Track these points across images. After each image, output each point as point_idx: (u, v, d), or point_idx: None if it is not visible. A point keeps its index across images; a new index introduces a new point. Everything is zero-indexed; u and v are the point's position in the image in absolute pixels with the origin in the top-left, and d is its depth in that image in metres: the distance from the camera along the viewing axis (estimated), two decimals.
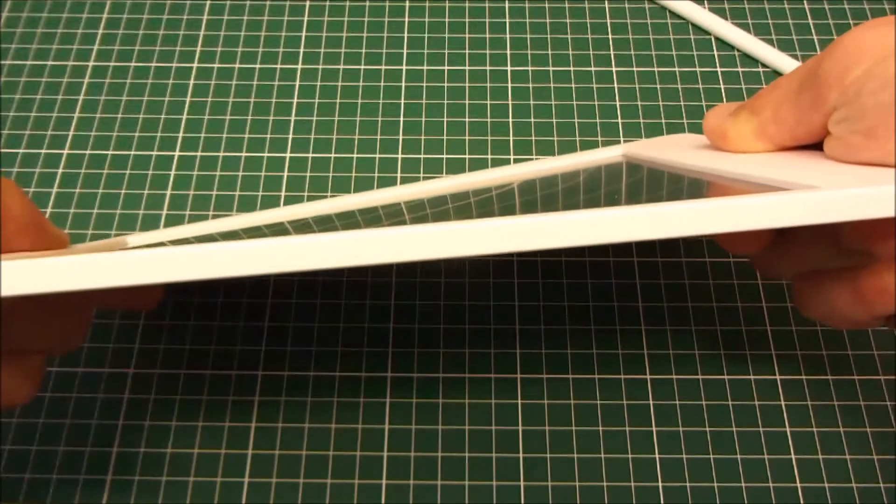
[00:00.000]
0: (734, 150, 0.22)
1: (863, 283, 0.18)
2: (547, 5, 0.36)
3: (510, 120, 0.33)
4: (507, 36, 0.35)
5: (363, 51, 0.35)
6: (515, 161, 0.31)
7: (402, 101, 0.33)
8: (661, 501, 0.24)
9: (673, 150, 0.24)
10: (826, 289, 0.20)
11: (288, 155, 0.32)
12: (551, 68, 0.34)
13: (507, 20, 0.36)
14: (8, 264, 0.13)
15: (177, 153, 0.32)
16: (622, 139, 0.32)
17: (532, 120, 0.33)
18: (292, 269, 0.13)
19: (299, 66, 0.34)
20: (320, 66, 0.34)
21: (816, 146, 0.20)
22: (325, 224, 0.23)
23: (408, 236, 0.13)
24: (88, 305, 0.22)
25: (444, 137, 0.32)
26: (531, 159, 0.31)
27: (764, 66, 0.34)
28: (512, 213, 0.18)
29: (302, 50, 0.35)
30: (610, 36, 0.35)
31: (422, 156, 0.32)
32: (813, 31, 0.35)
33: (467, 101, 0.33)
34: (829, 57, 0.18)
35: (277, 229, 0.22)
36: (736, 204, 0.14)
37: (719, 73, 0.34)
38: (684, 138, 0.28)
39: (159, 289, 0.25)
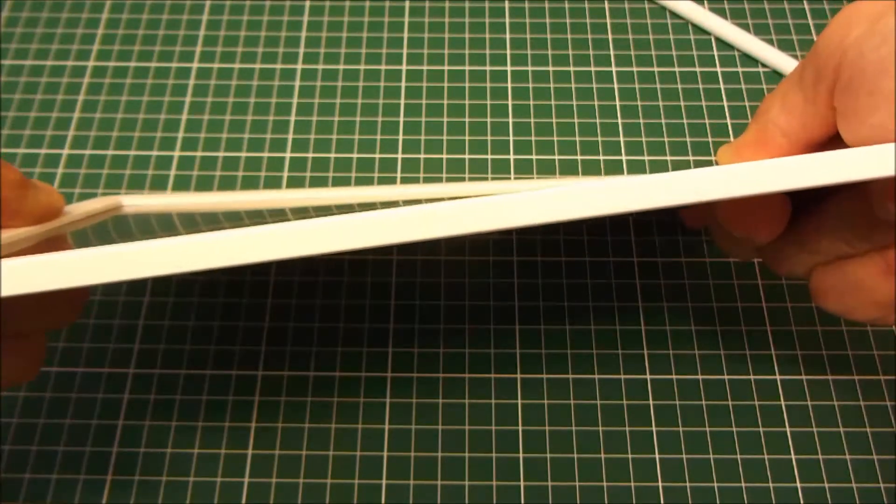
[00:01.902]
0: None
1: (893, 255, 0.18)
2: (547, 5, 0.36)
3: (510, 120, 0.33)
4: (507, 36, 0.35)
5: (363, 51, 0.35)
6: (515, 162, 0.31)
7: (402, 101, 0.33)
8: (661, 501, 0.24)
9: None
10: (851, 272, 0.19)
11: (288, 155, 0.32)
12: (551, 68, 0.34)
13: (507, 20, 0.36)
14: (8, 263, 0.13)
15: (177, 153, 0.32)
16: (622, 139, 0.32)
17: (532, 120, 0.32)
18: (294, 255, 0.14)
19: (299, 66, 0.34)
20: (320, 66, 0.34)
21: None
22: (323, 211, 0.23)
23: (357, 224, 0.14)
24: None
25: (444, 137, 0.32)
26: (532, 178, 0.31)
27: (764, 66, 0.34)
28: None
29: (302, 50, 0.35)
30: (610, 36, 0.35)
31: (422, 156, 0.32)
32: (813, 31, 0.35)
33: (467, 101, 0.33)
34: (827, 28, 0.18)
35: (280, 218, 0.22)
36: (733, 169, 0.14)
37: (719, 73, 0.34)
38: None
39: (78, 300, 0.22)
